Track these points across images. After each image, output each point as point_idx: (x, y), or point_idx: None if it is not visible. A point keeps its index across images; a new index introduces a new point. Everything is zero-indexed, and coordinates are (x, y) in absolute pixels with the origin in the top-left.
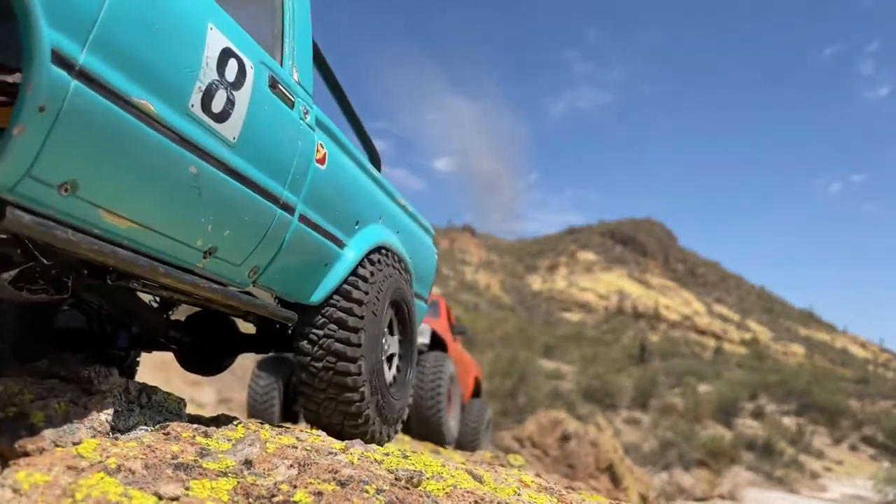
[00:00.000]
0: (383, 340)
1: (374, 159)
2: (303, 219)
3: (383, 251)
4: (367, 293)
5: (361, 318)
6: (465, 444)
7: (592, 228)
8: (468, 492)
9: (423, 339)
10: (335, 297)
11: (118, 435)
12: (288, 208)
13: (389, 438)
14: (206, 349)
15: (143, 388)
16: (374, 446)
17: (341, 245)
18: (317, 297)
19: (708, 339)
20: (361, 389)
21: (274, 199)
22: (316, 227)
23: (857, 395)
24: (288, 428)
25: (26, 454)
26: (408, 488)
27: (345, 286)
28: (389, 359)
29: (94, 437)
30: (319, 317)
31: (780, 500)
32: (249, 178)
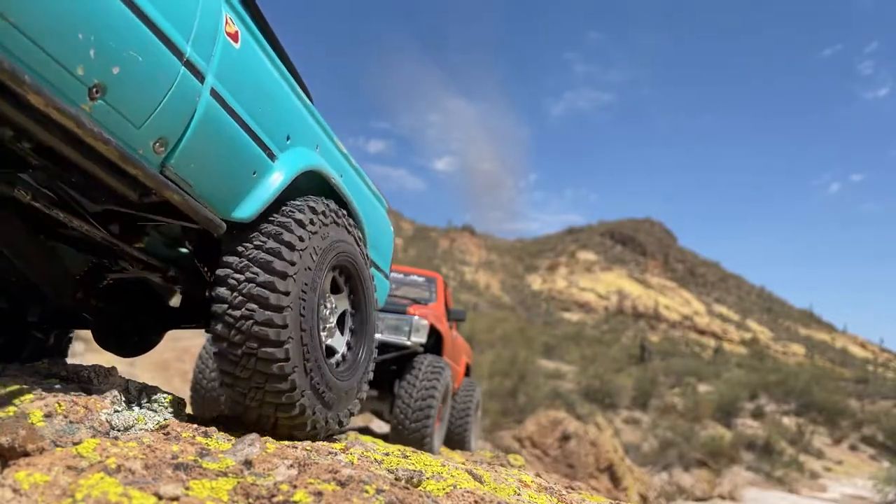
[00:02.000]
0: (325, 309)
1: (307, 95)
2: (216, 96)
3: (327, 206)
4: (301, 239)
5: (293, 264)
6: (454, 427)
7: (592, 228)
8: (468, 492)
9: (417, 337)
10: (262, 236)
11: (118, 435)
12: (195, 71)
13: (342, 425)
14: (127, 323)
15: (143, 387)
16: (374, 446)
17: (272, 156)
18: (244, 211)
19: (708, 338)
20: (289, 366)
21: (175, 50)
22: (235, 116)
23: (857, 395)
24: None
25: (26, 454)
26: (408, 488)
27: (275, 226)
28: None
29: (93, 436)
30: (244, 248)
31: (780, 499)
32: (138, 4)
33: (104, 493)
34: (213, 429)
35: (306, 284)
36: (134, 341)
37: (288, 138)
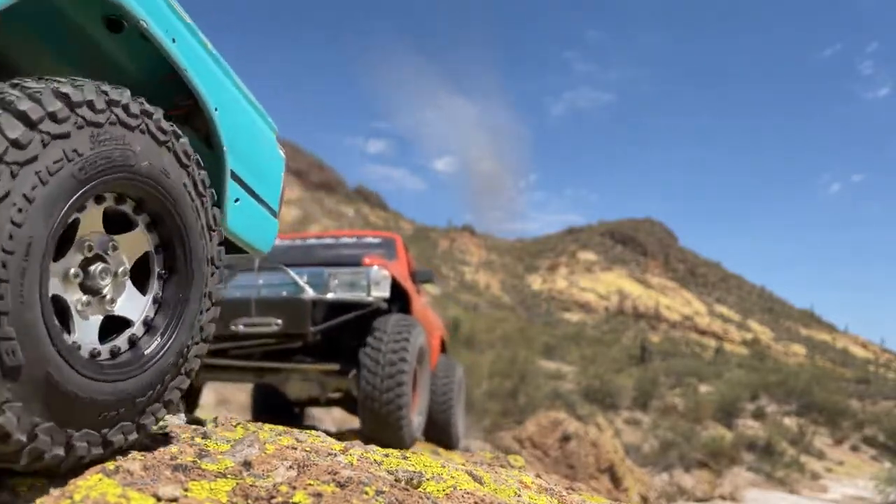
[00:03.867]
0: (77, 259)
1: None
2: None
3: (105, 95)
4: (18, 144)
5: None
6: (434, 415)
7: (592, 228)
8: (468, 493)
9: (378, 291)
10: None
11: None
12: None
13: (120, 449)
14: None
15: None
16: (373, 447)
17: None
18: None
19: (709, 339)
20: None
21: None
22: None
23: (858, 396)
24: (288, 429)
25: None
26: (407, 489)
27: None
28: (108, 310)
29: None
30: None
31: (780, 500)
32: None
33: (103, 495)
34: (213, 430)
35: (20, 224)
36: None
37: None
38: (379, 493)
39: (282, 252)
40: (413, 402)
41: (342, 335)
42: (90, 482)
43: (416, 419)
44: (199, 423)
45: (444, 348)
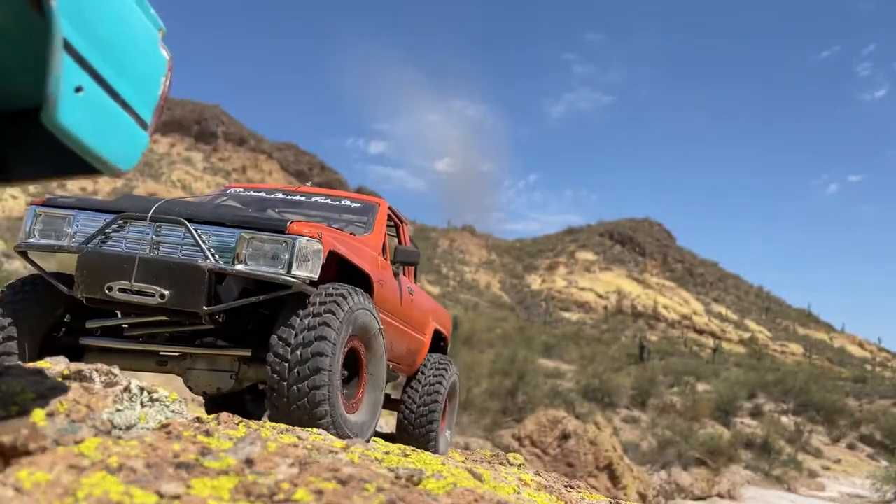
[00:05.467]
0: None
1: None
2: None
3: None
4: None
5: None
6: (414, 420)
7: (591, 228)
8: (468, 490)
9: (304, 269)
10: None
11: (120, 434)
12: None
13: None
14: None
15: (145, 387)
16: (374, 445)
17: None
18: None
19: (706, 338)
20: None
21: None
22: None
23: (855, 395)
24: (289, 427)
25: (28, 453)
26: (408, 486)
27: None
28: None
29: (95, 435)
30: None
31: (778, 498)
32: None
33: (106, 492)
34: (215, 427)
35: None
36: None
37: None
38: (380, 490)
39: (196, 205)
40: (339, 398)
41: (252, 316)
42: (93, 479)
43: (358, 417)
44: (202, 421)
45: (443, 346)
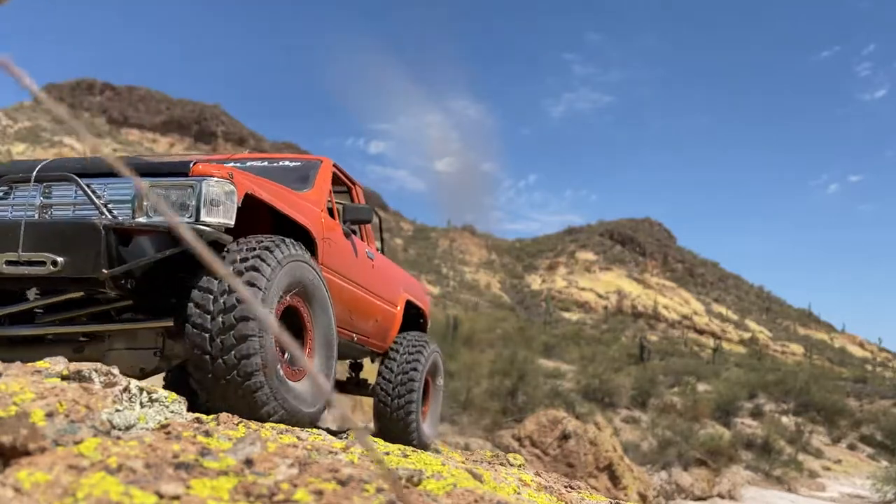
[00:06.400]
0: None
1: None
2: None
3: None
4: None
5: None
6: (390, 403)
7: (592, 228)
8: (468, 490)
9: (215, 215)
10: None
11: (119, 434)
12: None
13: None
14: None
15: (144, 387)
16: (374, 445)
17: None
18: None
19: (707, 338)
20: None
21: None
22: None
23: (856, 395)
24: (289, 428)
25: (28, 453)
26: (408, 487)
27: None
28: None
29: (95, 436)
30: None
31: (778, 498)
32: None
33: (105, 493)
34: (215, 428)
35: None
36: None
37: None
38: (379, 490)
39: (89, 161)
40: (288, 370)
41: (166, 275)
42: (93, 480)
43: (304, 386)
44: (201, 421)
45: (422, 324)
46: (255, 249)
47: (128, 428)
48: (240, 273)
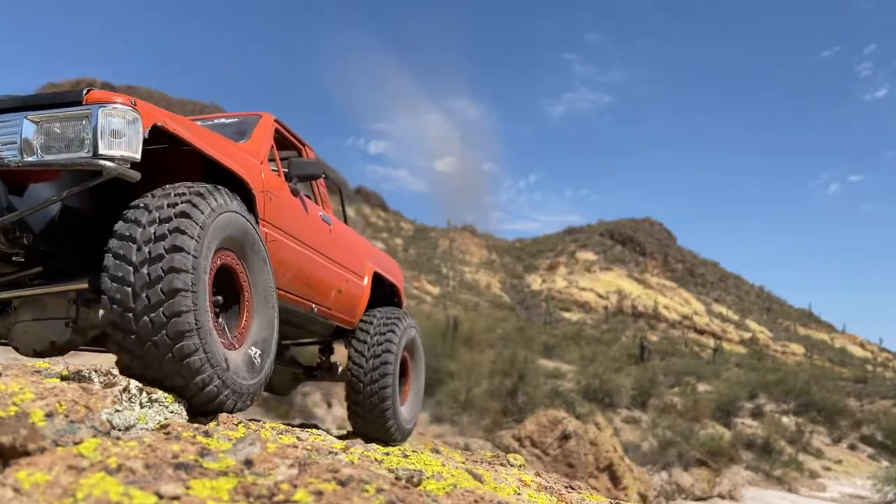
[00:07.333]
0: None
1: None
2: None
3: None
4: None
5: None
6: (362, 389)
7: (592, 228)
8: (468, 491)
9: (115, 148)
10: None
11: (119, 434)
12: None
13: None
14: None
15: (144, 387)
16: (374, 445)
17: None
18: None
19: (707, 338)
20: None
21: None
22: None
23: (856, 395)
24: (289, 428)
25: (27, 453)
26: (408, 487)
27: None
28: None
29: (94, 436)
30: None
31: (779, 499)
32: None
33: (105, 493)
34: (214, 428)
35: None
36: None
37: None
38: (379, 490)
39: None
40: (241, 328)
41: (71, 226)
42: (92, 480)
43: (241, 355)
44: (201, 421)
45: (397, 303)
46: (184, 194)
47: (127, 428)
48: (167, 220)
